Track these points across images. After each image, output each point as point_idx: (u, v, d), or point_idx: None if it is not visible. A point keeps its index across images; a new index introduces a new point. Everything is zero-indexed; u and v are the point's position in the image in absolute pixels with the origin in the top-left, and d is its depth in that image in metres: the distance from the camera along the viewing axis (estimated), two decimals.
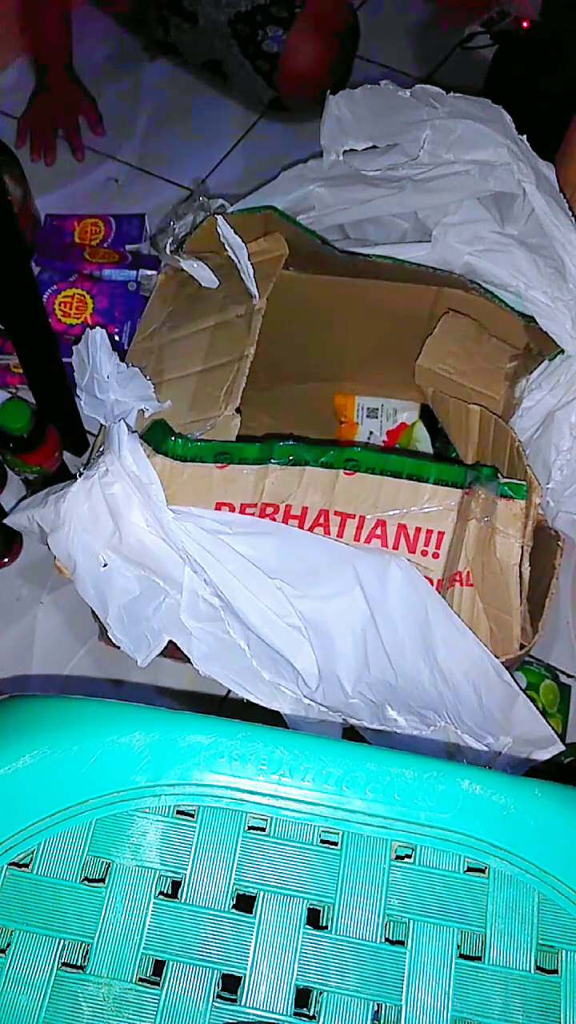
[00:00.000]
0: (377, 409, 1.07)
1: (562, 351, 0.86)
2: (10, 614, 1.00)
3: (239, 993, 0.42)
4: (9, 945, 0.43)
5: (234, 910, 0.44)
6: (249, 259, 0.86)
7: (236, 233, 0.86)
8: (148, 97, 1.43)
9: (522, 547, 0.73)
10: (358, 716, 0.74)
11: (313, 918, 0.44)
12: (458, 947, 0.43)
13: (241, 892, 0.44)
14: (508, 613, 0.72)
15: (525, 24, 1.22)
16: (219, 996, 0.42)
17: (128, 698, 0.56)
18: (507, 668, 0.71)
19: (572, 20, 1.14)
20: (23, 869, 0.44)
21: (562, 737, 0.89)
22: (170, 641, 0.73)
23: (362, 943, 0.43)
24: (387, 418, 1.07)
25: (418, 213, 0.93)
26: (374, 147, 0.93)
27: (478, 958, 0.43)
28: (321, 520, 0.75)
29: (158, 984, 0.42)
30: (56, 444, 0.96)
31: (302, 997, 0.43)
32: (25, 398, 1.01)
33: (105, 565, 0.73)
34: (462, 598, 0.73)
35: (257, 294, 0.85)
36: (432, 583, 0.73)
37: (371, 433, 1.07)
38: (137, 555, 0.73)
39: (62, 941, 0.43)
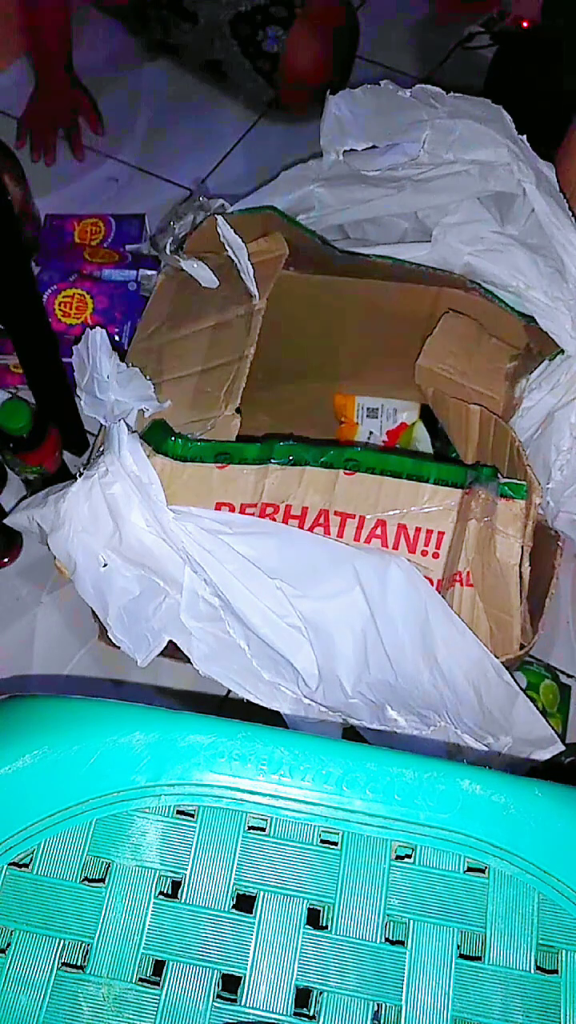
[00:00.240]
0: (377, 409, 1.07)
1: (562, 351, 0.86)
2: (10, 614, 1.00)
3: (239, 993, 0.42)
4: (9, 945, 0.43)
5: (234, 910, 0.44)
6: (249, 259, 0.86)
7: (236, 233, 0.86)
8: (148, 97, 1.43)
9: (522, 547, 0.73)
10: (358, 716, 0.74)
11: (313, 918, 0.44)
12: (458, 947, 0.43)
13: (241, 892, 0.44)
14: (508, 613, 0.72)
15: (525, 24, 1.22)
16: (219, 996, 0.42)
17: (128, 698, 0.56)
18: (507, 668, 0.71)
19: (572, 20, 1.14)
20: (23, 869, 0.44)
21: (562, 737, 0.89)
22: (170, 641, 0.73)
23: (362, 943, 0.43)
24: (387, 418, 1.07)
25: (418, 213, 0.93)
26: (374, 147, 0.93)
27: (478, 958, 0.43)
28: (321, 520, 0.75)
29: (158, 984, 0.42)
30: (56, 444, 0.96)
31: (302, 997, 0.43)
32: (25, 398, 1.01)
33: (105, 565, 0.73)
34: (462, 598, 0.73)
35: (257, 294, 0.85)
36: (432, 583, 0.73)
37: (371, 433, 1.07)
38: (137, 555, 0.73)
39: (62, 941, 0.43)
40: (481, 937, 0.44)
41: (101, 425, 0.82)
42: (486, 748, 0.73)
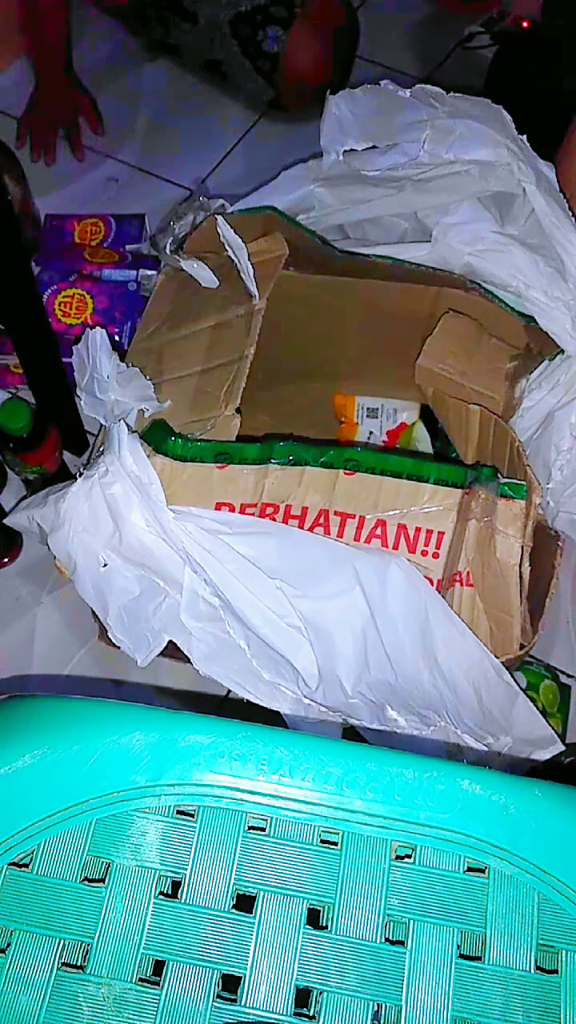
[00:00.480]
0: (377, 409, 1.07)
1: (562, 351, 0.86)
2: (10, 614, 1.00)
3: (239, 993, 0.42)
4: (9, 945, 0.43)
5: (234, 910, 0.44)
6: (249, 259, 0.86)
7: (236, 233, 0.86)
8: (148, 97, 1.43)
9: (522, 547, 0.73)
10: (358, 716, 0.74)
11: (313, 918, 0.44)
12: (458, 947, 0.43)
13: (241, 892, 0.44)
14: (508, 613, 0.72)
15: (525, 24, 1.22)
16: (219, 996, 0.42)
17: (128, 698, 0.56)
18: (507, 668, 0.71)
19: (572, 20, 1.14)
20: (23, 869, 0.44)
21: (562, 737, 0.89)
22: (170, 641, 0.73)
23: (362, 943, 0.43)
24: (387, 418, 1.07)
25: (418, 213, 0.93)
26: (374, 147, 0.93)
27: (478, 958, 0.43)
28: (321, 520, 0.75)
29: (158, 984, 0.42)
30: (56, 444, 0.96)
31: (302, 997, 0.43)
32: (25, 398, 1.01)
33: (105, 565, 0.73)
34: (462, 598, 0.73)
35: (257, 294, 0.85)
36: (432, 583, 0.73)
37: (371, 433, 1.07)
38: (137, 555, 0.73)
39: (62, 941, 0.43)
40: (481, 937, 0.44)
41: (101, 425, 0.82)
42: (486, 748, 0.73)
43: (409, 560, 0.72)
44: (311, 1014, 0.42)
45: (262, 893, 0.44)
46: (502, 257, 0.87)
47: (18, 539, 1.03)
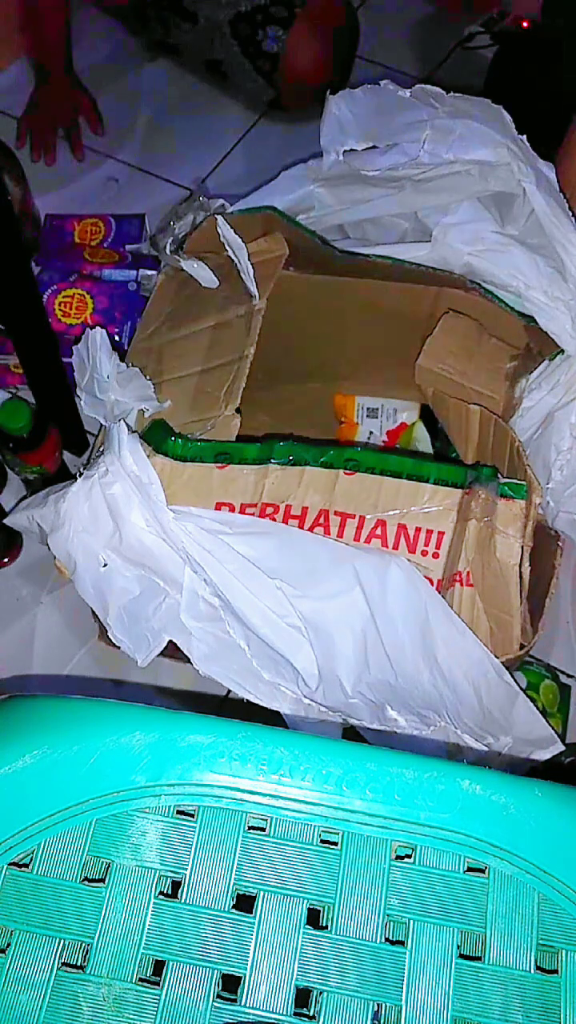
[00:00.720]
0: (377, 409, 1.07)
1: (562, 351, 0.86)
2: (10, 614, 1.00)
3: (239, 993, 0.42)
4: (9, 945, 0.43)
5: (234, 910, 0.44)
6: (249, 259, 0.86)
7: (236, 233, 0.86)
8: (148, 97, 1.43)
9: (522, 547, 0.73)
10: (358, 716, 0.74)
11: (313, 918, 0.44)
12: (458, 947, 0.43)
13: (241, 892, 0.44)
14: (508, 613, 0.72)
15: (525, 24, 1.22)
16: (219, 996, 0.42)
17: (128, 698, 0.56)
18: (507, 668, 0.71)
19: (572, 20, 1.14)
20: (23, 869, 0.44)
21: (562, 737, 0.89)
22: (170, 641, 0.73)
23: (362, 943, 0.43)
24: (387, 418, 1.07)
25: (418, 213, 0.93)
26: (374, 147, 0.93)
27: (478, 958, 0.43)
28: (321, 520, 0.75)
29: (158, 984, 0.42)
30: (56, 444, 0.96)
31: (302, 997, 0.43)
32: (25, 398, 1.01)
33: (105, 565, 0.73)
34: (462, 598, 0.73)
35: (257, 294, 0.85)
36: (432, 583, 0.73)
37: (371, 433, 1.07)
38: (137, 555, 0.73)
39: (62, 941, 0.43)
40: (481, 937, 0.44)
41: (101, 425, 0.82)
42: (486, 748, 0.73)
43: (409, 560, 0.72)
44: (311, 1014, 0.42)
45: (262, 893, 0.44)
46: (502, 257, 0.87)
47: (18, 539, 1.03)
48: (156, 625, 0.73)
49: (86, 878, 0.44)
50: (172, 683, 0.95)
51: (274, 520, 0.74)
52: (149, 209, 1.25)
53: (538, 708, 0.73)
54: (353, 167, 0.93)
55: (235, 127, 1.39)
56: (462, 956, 0.43)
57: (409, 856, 0.45)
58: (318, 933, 0.44)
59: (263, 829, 0.46)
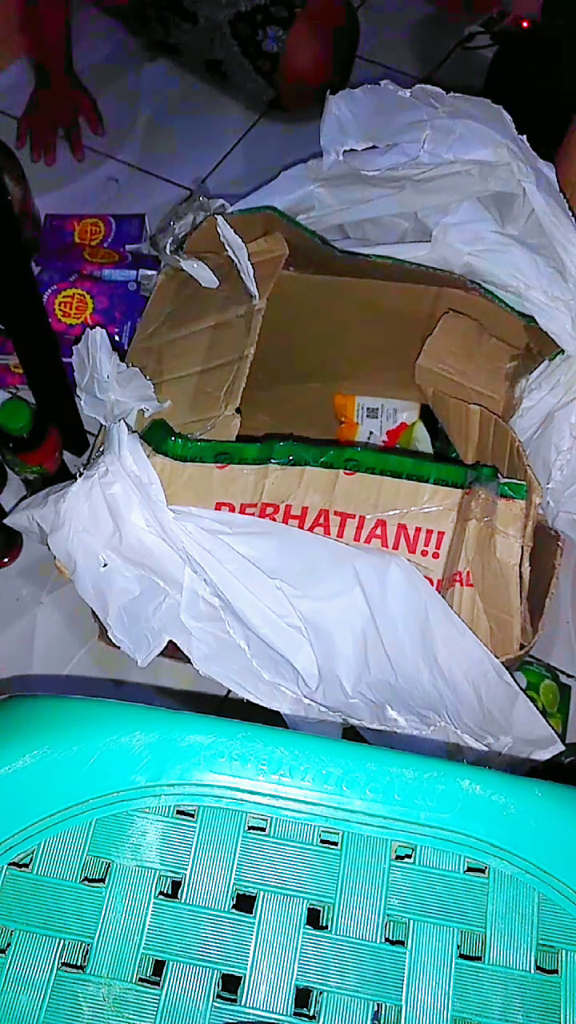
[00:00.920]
0: (377, 409, 1.07)
1: (562, 351, 0.86)
2: (10, 614, 1.00)
3: (239, 993, 0.42)
4: (9, 945, 0.43)
5: (234, 910, 0.44)
6: (249, 259, 0.86)
7: (236, 233, 0.86)
8: (148, 97, 1.43)
9: (522, 547, 0.73)
10: (358, 716, 0.74)
11: (313, 918, 0.44)
12: (458, 947, 0.43)
13: (241, 892, 0.44)
14: (508, 613, 0.72)
15: (525, 24, 1.22)
16: (219, 996, 0.42)
17: (128, 698, 0.56)
18: (507, 668, 0.71)
19: (572, 20, 1.14)
20: (23, 869, 0.44)
21: (562, 737, 0.89)
22: (170, 641, 0.73)
23: (362, 943, 0.43)
24: (387, 418, 1.07)
25: (418, 213, 0.93)
26: (374, 147, 0.93)
27: (478, 958, 0.43)
28: (321, 520, 0.75)
29: (158, 984, 0.42)
30: (56, 444, 0.96)
31: (302, 997, 0.43)
32: (25, 398, 1.01)
33: (105, 565, 0.73)
34: (462, 598, 0.73)
35: (257, 294, 0.85)
36: (432, 583, 0.73)
37: (371, 433, 1.07)
38: (137, 555, 0.73)
39: (62, 941, 0.43)
40: (481, 937, 0.44)
41: (101, 425, 0.82)
42: (486, 748, 0.73)
43: (409, 560, 0.72)
44: (311, 1014, 0.42)
45: (262, 893, 0.44)
46: (502, 257, 0.87)
47: (18, 539, 1.03)
48: (156, 625, 0.73)
49: (86, 878, 0.44)
50: (172, 683, 0.95)
51: (274, 520, 0.74)
52: (149, 209, 1.25)
53: (538, 708, 0.73)
54: (353, 167, 0.93)
55: (235, 127, 1.39)
56: (462, 956, 0.43)
57: (409, 856, 0.45)
58: (318, 933, 0.44)
59: (263, 829, 0.46)
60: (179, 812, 0.46)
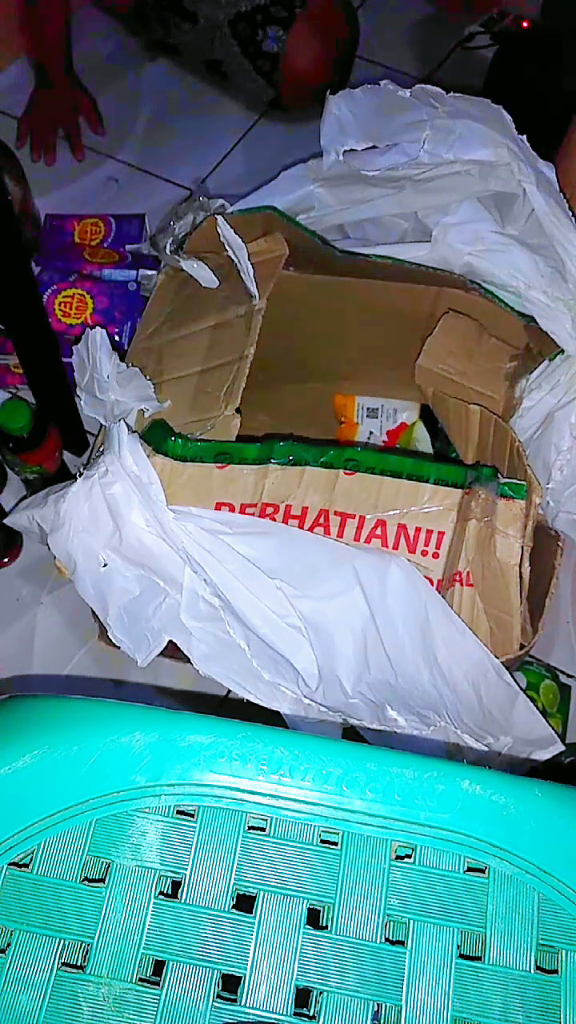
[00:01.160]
0: (377, 409, 1.07)
1: (562, 351, 0.86)
2: (10, 614, 1.00)
3: (239, 993, 0.42)
4: (9, 945, 0.43)
5: (234, 910, 0.44)
6: (249, 259, 0.86)
7: (236, 233, 0.86)
8: (148, 97, 1.43)
9: (522, 547, 0.73)
10: (358, 716, 0.74)
11: (313, 918, 0.44)
12: (458, 947, 0.43)
13: (241, 892, 0.44)
14: (508, 613, 0.72)
15: (525, 24, 1.22)
16: (219, 996, 0.42)
17: (128, 698, 0.56)
18: (507, 668, 0.71)
19: (572, 20, 1.14)
20: (23, 869, 0.44)
21: (562, 737, 0.89)
22: (170, 641, 0.73)
23: (362, 943, 0.43)
24: (387, 418, 1.07)
25: (418, 213, 0.93)
26: (374, 147, 0.93)
27: (478, 958, 0.43)
28: (321, 520, 0.75)
29: (158, 984, 0.42)
30: (56, 444, 0.96)
31: (302, 997, 0.43)
32: (25, 398, 1.01)
33: (105, 565, 0.73)
34: (462, 598, 0.73)
35: (257, 294, 0.85)
36: (432, 583, 0.73)
37: (371, 433, 1.07)
38: (137, 555, 0.73)
39: (62, 941, 0.43)
40: (481, 937, 0.44)
41: (101, 425, 0.82)
42: (486, 748, 0.73)
43: (409, 560, 0.72)
44: (311, 1014, 0.42)
45: (262, 893, 0.44)
46: (502, 257, 0.87)
47: (18, 539, 1.03)
48: (156, 625, 0.73)
49: (86, 878, 0.44)
50: (172, 683, 0.95)
51: (274, 520, 0.74)
52: (149, 209, 1.25)
53: (538, 708, 0.73)
54: (353, 167, 0.93)
55: (235, 127, 1.39)
56: (462, 956, 0.43)
57: (409, 856, 0.45)
58: (318, 933, 0.44)
59: (263, 829, 0.46)
60: (179, 812, 0.46)
